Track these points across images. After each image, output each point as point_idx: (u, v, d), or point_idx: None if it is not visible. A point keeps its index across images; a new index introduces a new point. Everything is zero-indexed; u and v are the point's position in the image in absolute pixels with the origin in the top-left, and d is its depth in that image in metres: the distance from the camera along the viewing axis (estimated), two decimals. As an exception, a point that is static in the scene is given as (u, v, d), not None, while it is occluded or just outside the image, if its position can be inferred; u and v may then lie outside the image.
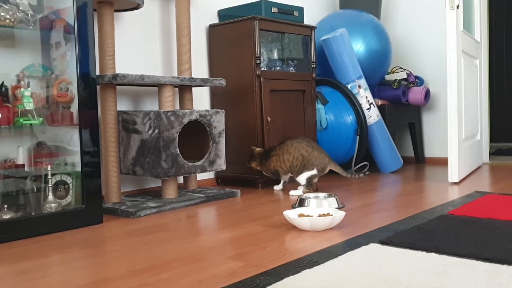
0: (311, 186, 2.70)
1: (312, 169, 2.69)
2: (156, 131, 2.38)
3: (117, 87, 2.66)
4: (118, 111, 2.55)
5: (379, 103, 3.76)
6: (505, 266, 1.35)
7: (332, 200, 2.24)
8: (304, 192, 2.66)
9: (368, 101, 3.48)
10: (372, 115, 3.47)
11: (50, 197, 2.07)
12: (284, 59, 3.22)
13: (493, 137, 5.19)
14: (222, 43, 3.11)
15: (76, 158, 2.13)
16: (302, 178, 2.71)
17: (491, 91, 5.73)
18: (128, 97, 2.79)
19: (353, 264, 1.42)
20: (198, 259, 1.56)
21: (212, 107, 3.21)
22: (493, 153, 4.62)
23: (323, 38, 3.54)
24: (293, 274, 1.35)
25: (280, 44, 3.20)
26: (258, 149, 2.84)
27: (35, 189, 2.11)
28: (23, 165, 2.12)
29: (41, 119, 2.08)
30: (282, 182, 2.89)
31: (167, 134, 2.40)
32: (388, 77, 3.97)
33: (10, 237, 1.87)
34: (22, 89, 2.04)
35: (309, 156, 2.68)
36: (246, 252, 1.61)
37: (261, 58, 3.00)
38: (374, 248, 1.59)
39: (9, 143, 2.15)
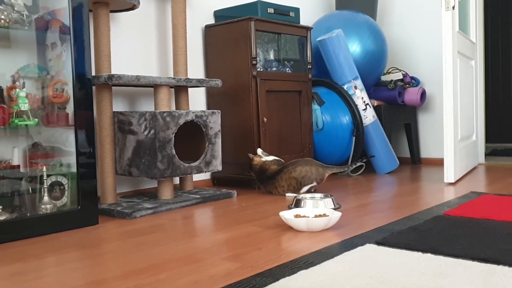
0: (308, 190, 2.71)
1: (312, 182, 2.69)
2: (152, 131, 2.38)
3: (113, 87, 2.65)
4: (114, 111, 2.54)
5: (375, 104, 3.76)
6: (500, 267, 1.35)
7: (328, 200, 2.24)
8: (300, 193, 2.66)
9: (364, 101, 3.48)
10: (368, 116, 3.48)
11: (46, 198, 2.07)
12: (280, 59, 3.22)
13: (488, 138, 5.21)
14: (218, 44, 3.11)
15: (72, 159, 2.12)
16: (303, 190, 2.70)
17: (487, 91, 5.74)
18: (123, 98, 2.79)
19: (349, 265, 1.42)
20: (194, 260, 1.56)
21: (208, 107, 3.21)
22: (488, 153, 4.63)
23: (319, 39, 3.54)
24: (289, 275, 1.35)
25: (276, 45, 3.20)
26: (256, 159, 2.80)
27: (30, 190, 2.10)
28: (18, 166, 2.12)
29: (36, 120, 2.07)
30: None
31: (163, 135, 2.40)
32: (384, 78, 3.98)
33: (5, 238, 1.87)
34: (17, 89, 2.03)
35: (302, 174, 2.68)
36: (242, 253, 1.61)
37: (257, 58, 3.00)
38: (370, 248, 1.59)
39: (4, 144, 2.14)
